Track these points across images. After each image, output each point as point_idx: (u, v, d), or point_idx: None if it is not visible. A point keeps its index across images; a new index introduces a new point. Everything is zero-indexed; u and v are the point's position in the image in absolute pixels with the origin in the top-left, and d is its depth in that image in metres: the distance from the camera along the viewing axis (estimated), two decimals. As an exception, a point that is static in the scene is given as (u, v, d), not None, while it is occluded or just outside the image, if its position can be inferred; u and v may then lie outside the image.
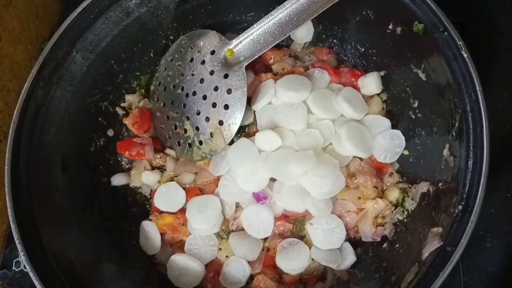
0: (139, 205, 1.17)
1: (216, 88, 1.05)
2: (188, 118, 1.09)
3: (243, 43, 1.05)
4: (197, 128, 1.08)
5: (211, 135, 1.07)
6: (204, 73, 1.07)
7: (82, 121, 1.10)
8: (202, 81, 1.07)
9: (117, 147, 1.17)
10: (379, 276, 0.97)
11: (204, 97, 1.07)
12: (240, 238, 1.06)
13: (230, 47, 1.06)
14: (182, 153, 1.14)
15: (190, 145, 1.11)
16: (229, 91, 1.04)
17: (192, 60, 1.10)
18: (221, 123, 1.05)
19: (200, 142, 1.09)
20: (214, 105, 1.05)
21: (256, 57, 1.04)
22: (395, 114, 1.13)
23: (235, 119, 1.04)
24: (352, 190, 1.06)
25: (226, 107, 1.04)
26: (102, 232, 1.08)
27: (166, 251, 1.10)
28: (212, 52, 1.07)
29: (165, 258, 1.08)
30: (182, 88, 1.10)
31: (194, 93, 1.08)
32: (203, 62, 1.08)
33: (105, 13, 1.06)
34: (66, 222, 1.00)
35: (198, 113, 1.07)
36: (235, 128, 1.04)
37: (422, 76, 0.99)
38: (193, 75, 1.09)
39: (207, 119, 1.07)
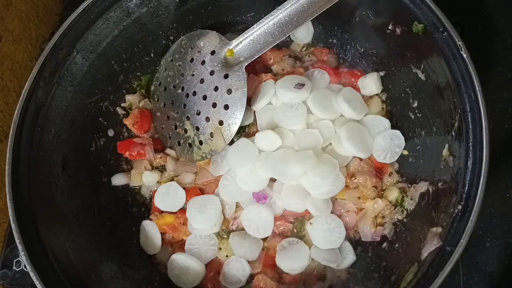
0: (139, 205, 1.18)
1: (216, 88, 1.05)
2: (188, 118, 1.10)
3: (243, 44, 1.05)
4: (197, 128, 1.09)
5: (211, 135, 1.07)
6: (204, 73, 1.07)
7: (83, 121, 1.10)
8: (202, 81, 1.08)
9: (117, 147, 1.17)
10: (379, 275, 0.97)
11: (204, 97, 1.07)
12: (240, 238, 1.06)
13: (230, 47, 1.06)
14: (182, 153, 1.14)
15: (190, 145, 1.11)
16: (229, 91, 1.04)
17: (192, 60, 1.10)
18: (221, 123, 1.05)
19: (200, 142, 1.09)
20: (214, 105, 1.05)
21: (256, 57, 1.04)
22: (395, 114, 1.13)
23: (235, 119, 1.04)
24: (352, 190, 1.06)
25: (226, 107, 1.04)
26: (102, 232, 1.08)
27: (167, 250, 1.10)
28: (212, 53, 1.07)
29: (166, 257, 1.09)
30: (182, 88, 1.11)
31: (194, 93, 1.08)
32: (203, 62, 1.08)
33: (106, 14, 1.06)
34: (66, 222, 1.00)
35: (198, 113, 1.08)
36: (235, 128, 1.05)
37: (422, 76, 0.99)
38: (193, 75, 1.09)
39: (207, 119, 1.07)
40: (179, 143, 1.14)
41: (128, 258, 1.07)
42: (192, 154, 1.11)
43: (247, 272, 1.05)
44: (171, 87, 1.14)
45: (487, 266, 1.09)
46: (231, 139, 1.06)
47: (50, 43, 1.00)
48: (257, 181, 1.05)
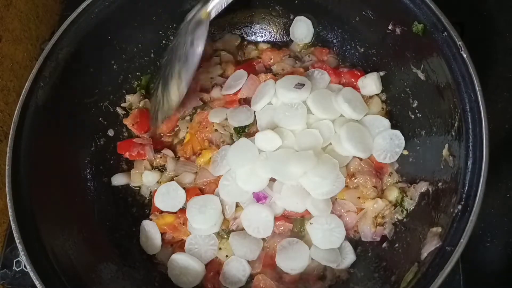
0: (139, 205, 1.17)
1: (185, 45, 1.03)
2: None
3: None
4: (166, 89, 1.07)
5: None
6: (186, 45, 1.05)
7: (82, 121, 1.10)
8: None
9: (117, 147, 1.17)
10: (379, 275, 0.97)
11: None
12: (240, 238, 1.06)
13: (207, 10, 1.03)
14: (154, 122, 1.13)
15: (158, 108, 1.10)
16: (191, 44, 1.02)
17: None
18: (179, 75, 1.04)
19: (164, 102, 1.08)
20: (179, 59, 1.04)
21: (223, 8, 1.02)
22: (395, 114, 1.13)
23: (188, 69, 1.02)
24: (352, 190, 1.06)
25: (186, 59, 1.03)
26: (102, 232, 1.08)
27: (167, 250, 1.10)
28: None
29: (166, 257, 1.08)
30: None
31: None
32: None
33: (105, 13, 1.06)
34: (66, 222, 1.00)
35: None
36: (188, 78, 1.02)
37: (422, 76, 1.00)
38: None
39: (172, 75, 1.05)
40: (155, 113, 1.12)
41: (128, 258, 1.07)
42: (157, 120, 1.10)
43: (247, 272, 1.05)
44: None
45: (487, 266, 1.09)
46: (184, 93, 1.04)
47: (50, 43, 1.00)
48: (257, 181, 1.05)
